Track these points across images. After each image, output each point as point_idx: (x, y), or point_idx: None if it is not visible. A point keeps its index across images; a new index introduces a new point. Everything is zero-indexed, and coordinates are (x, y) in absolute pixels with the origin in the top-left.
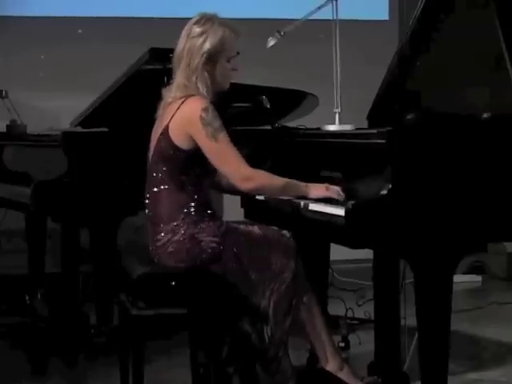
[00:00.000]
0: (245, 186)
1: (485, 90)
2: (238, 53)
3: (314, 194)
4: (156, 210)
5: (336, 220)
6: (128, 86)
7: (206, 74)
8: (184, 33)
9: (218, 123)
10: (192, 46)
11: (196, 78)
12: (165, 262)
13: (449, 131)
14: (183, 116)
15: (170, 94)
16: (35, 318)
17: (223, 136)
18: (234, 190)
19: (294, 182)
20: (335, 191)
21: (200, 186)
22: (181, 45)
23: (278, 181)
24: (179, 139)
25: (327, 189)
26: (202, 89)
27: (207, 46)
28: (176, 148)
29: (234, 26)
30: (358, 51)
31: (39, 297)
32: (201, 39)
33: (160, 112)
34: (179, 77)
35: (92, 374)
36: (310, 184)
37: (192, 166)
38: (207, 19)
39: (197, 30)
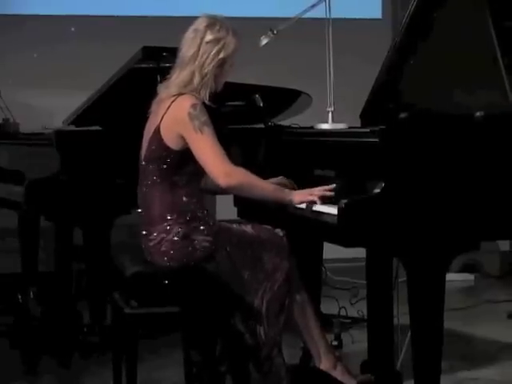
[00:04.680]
0: (225, 181)
1: (478, 90)
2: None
3: (297, 199)
4: (149, 209)
5: (329, 219)
6: (121, 85)
7: (212, 77)
8: (196, 34)
9: (204, 118)
10: (208, 50)
11: (202, 81)
12: (157, 261)
13: (442, 130)
14: (173, 115)
15: (167, 89)
16: (28, 317)
17: (208, 130)
18: (213, 190)
19: (277, 186)
20: (320, 193)
21: (193, 185)
22: (193, 47)
23: (259, 182)
24: (170, 140)
25: (311, 194)
26: (206, 90)
27: (222, 55)
28: (167, 149)
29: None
30: (351, 50)
31: (32, 296)
32: (217, 47)
33: (153, 108)
34: (182, 74)
35: (85, 372)
36: (292, 191)
37: (184, 166)
38: (221, 26)
39: (211, 36)
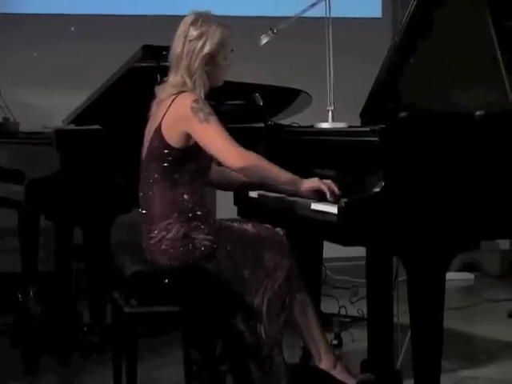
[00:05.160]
0: (238, 162)
1: (478, 89)
2: (231, 50)
3: (307, 186)
4: (149, 208)
5: (329, 218)
6: (121, 84)
7: (204, 75)
8: (180, 33)
9: (208, 109)
10: (191, 48)
11: (195, 79)
12: (158, 259)
13: (441, 129)
14: (175, 113)
15: (164, 92)
16: (28, 317)
17: (214, 119)
18: (224, 184)
19: (288, 172)
20: (328, 183)
21: (193, 184)
22: (178, 46)
23: (270, 165)
24: (172, 137)
25: (320, 181)
26: (200, 89)
27: (207, 49)
28: (169, 147)
29: (227, 22)
30: (351, 49)
31: (32, 295)
32: (200, 42)
33: (153, 109)
34: (177, 76)
35: (85, 372)
36: (303, 179)
37: (185, 164)
38: (204, 20)
39: (195, 32)
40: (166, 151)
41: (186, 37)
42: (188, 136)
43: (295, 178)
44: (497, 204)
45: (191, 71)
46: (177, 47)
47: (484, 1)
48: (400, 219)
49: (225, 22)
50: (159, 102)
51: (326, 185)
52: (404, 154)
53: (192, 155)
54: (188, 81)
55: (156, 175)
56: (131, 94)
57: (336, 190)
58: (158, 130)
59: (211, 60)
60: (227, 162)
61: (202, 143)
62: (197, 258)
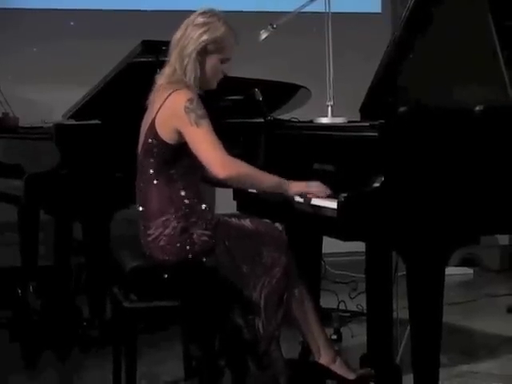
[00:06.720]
0: (222, 173)
1: (477, 84)
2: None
3: (294, 190)
4: (147, 204)
5: (328, 213)
6: (121, 79)
7: (197, 63)
8: (187, 21)
9: (201, 111)
10: (191, 33)
11: (186, 64)
12: (156, 255)
13: (441, 124)
14: (168, 110)
15: (161, 76)
16: (27, 312)
17: (205, 123)
18: (218, 182)
19: (275, 176)
20: (316, 186)
21: (190, 179)
22: (181, 31)
23: (257, 172)
24: (166, 134)
25: (307, 186)
26: (190, 76)
27: (205, 37)
28: (163, 143)
29: (226, 17)
30: (351, 44)
31: (31, 290)
32: (201, 29)
33: (151, 97)
34: (171, 60)
35: (85, 366)
36: (290, 181)
37: (180, 160)
38: (213, 14)
39: (200, 19)
40: (160, 147)
41: (190, 23)
42: (180, 132)
43: (282, 181)
44: (496, 199)
45: (183, 54)
46: (179, 32)
47: None
48: (399, 214)
49: (237, 31)
50: (156, 90)
51: (312, 191)
52: (403, 149)
53: (186, 150)
54: (178, 66)
55: (152, 171)
56: (130, 89)
57: (325, 190)
58: (152, 125)
59: (206, 51)
60: (211, 170)
61: (189, 145)
62: (195, 253)
